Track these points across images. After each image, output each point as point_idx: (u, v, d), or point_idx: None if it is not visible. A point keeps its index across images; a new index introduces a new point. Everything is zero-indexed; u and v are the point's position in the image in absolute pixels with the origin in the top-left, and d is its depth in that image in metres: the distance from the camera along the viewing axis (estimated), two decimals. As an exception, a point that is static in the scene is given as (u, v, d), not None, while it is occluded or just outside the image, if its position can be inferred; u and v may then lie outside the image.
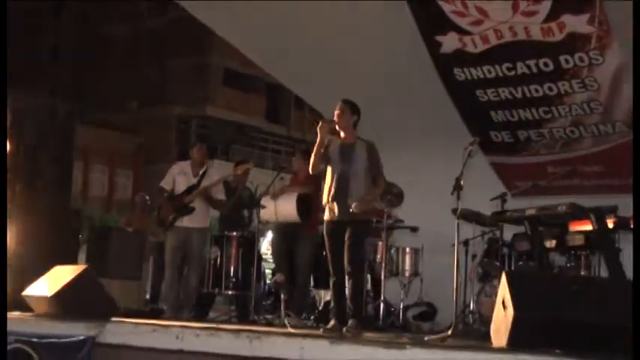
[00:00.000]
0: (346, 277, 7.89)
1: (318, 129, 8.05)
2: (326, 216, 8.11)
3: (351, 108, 8.12)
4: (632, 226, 8.21)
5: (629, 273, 8.17)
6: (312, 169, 8.20)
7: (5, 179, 9.61)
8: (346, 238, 7.89)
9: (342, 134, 8.10)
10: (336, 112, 8.10)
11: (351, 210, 7.84)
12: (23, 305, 8.80)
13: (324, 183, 8.29)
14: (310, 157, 8.22)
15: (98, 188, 28.23)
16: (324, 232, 8.15)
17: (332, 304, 8.16)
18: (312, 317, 9.80)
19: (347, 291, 7.92)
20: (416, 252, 10.24)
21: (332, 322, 7.91)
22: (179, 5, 12.25)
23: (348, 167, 7.99)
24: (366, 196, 7.98)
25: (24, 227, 10.02)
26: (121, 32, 31.37)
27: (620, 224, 8.32)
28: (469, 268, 9.84)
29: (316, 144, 8.04)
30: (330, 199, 8.02)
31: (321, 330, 7.76)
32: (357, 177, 7.96)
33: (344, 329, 7.59)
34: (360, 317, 7.83)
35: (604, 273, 8.62)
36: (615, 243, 8.61)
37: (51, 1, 29.81)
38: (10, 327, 8.03)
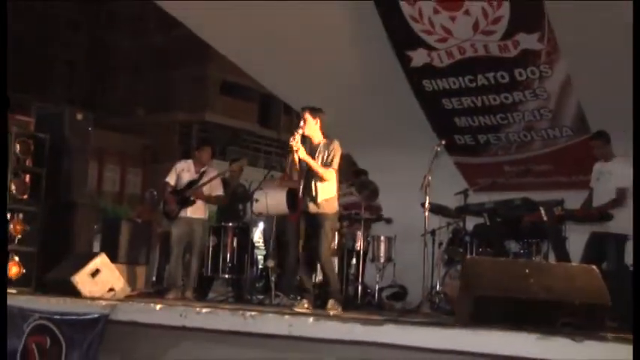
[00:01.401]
0: (318, 264, 7.83)
1: (293, 143, 7.78)
2: (303, 208, 8.01)
3: (311, 113, 7.90)
4: (577, 217, 8.27)
5: (573, 259, 8.24)
6: (328, 178, 7.86)
7: (6, 179, 9.58)
8: (317, 229, 7.82)
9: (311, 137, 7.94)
10: (300, 124, 7.91)
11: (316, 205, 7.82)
12: (45, 287, 8.80)
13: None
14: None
15: (111, 184, 28.16)
16: (301, 222, 8.05)
17: (303, 287, 8.04)
18: (299, 298, 9.78)
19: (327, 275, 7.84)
20: (390, 240, 10.23)
21: (304, 302, 7.83)
22: (181, 23, 12.22)
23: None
24: (328, 195, 7.88)
25: (46, 218, 10.01)
26: (131, 48, 31.28)
27: (567, 216, 8.37)
28: (436, 255, 9.85)
29: (311, 164, 7.80)
30: (301, 194, 7.96)
31: (294, 308, 7.68)
32: (318, 174, 7.86)
33: (327, 308, 7.51)
34: (337, 297, 7.78)
35: (552, 259, 8.69)
36: (562, 232, 8.67)
37: (69, 22, 29.89)
38: (35, 306, 8.04)
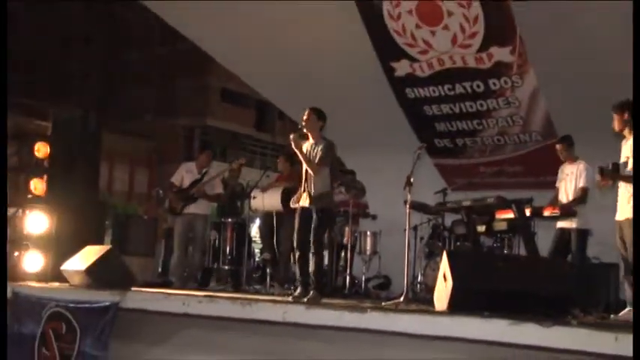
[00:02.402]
0: (310, 254, 7.77)
1: (292, 143, 7.76)
2: (300, 203, 7.89)
3: (317, 114, 7.84)
4: (544, 214, 8.30)
5: (542, 252, 8.26)
6: (315, 172, 7.81)
7: (5, 179, 9.58)
8: (312, 223, 7.75)
9: (310, 136, 7.85)
10: (304, 118, 7.83)
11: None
12: (61, 277, 8.79)
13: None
14: (292, 159, 8.18)
15: (120, 184, 28.01)
16: (297, 216, 8.00)
17: (297, 275, 8.00)
18: (292, 287, 9.79)
19: (310, 265, 7.78)
20: (375, 235, 10.24)
21: (298, 290, 7.79)
22: (185, 37, 12.24)
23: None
24: (320, 191, 7.78)
25: (62, 215, 10.00)
26: (139, 58, 31.19)
27: (535, 213, 8.39)
28: (417, 248, 9.87)
29: (301, 156, 7.74)
30: (302, 189, 7.90)
31: (290, 297, 7.66)
32: (310, 169, 7.74)
33: (305, 299, 7.32)
34: (319, 289, 7.62)
35: (523, 252, 8.71)
36: (531, 228, 8.70)
37: (85, 37, 29.86)
38: (51, 295, 8.07)
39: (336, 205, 8.90)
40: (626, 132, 7.03)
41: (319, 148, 7.76)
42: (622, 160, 6.99)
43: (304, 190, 7.81)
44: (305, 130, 7.81)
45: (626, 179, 6.84)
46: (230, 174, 10.87)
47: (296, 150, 7.71)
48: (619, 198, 7.00)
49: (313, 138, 7.86)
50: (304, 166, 7.79)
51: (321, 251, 8.04)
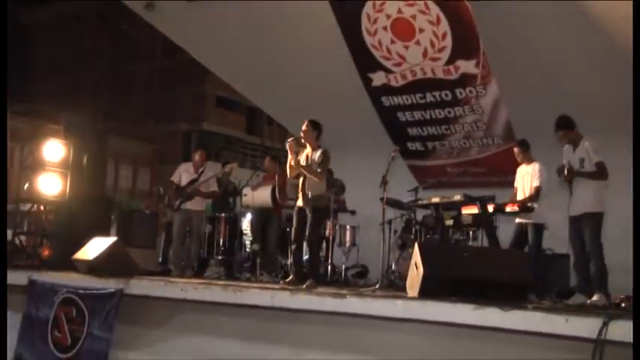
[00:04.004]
0: (305, 248, 7.92)
1: (287, 147, 8.00)
2: (297, 203, 8.06)
3: (313, 126, 8.04)
4: (505, 210, 8.33)
5: (502, 244, 8.29)
6: (291, 175, 8.12)
7: (5, 179, 9.54)
8: (308, 221, 7.90)
9: (307, 145, 8.05)
10: (303, 129, 8.03)
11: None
12: (72, 266, 8.76)
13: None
14: (277, 159, 8.24)
15: (125, 182, 27.88)
16: (294, 214, 8.14)
17: (292, 265, 8.11)
18: (279, 275, 9.79)
19: (304, 257, 7.90)
20: (354, 228, 10.21)
21: (291, 277, 7.91)
22: (184, 50, 12.24)
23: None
24: (316, 193, 7.95)
25: (72, 209, 9.97)
26: (143, 69, 31.10)
27: (497, 209, 8.42)
28: (392, 240, 9.86)
29: (290, 158, 7.95)
30: (299, 191, 8.02)
31: (281, 282, 7.74)
32: (308, 175, 7.94)
33: (304, 286, 7.48)
34: (315, 278, 7.81)
35: (485, 244, 8.73)
36: (493, 222, 8.72)
37: (94, 48, 29.75)
38: (63, 282, 8.07)
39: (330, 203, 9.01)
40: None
41: (317, 156, 7.98)
42: (577, 161, 7.10)
43: (300, 192, 7.94)
44: (303, 140, 7.96)
45: (586, 175, 7.03)
46: (223, 174, 10.84)
47: (300, 164, 7.90)
48: (574, 195, 7.07)
49: (311, 146, 8.06)
50: (287, 166, 7.95)
51: (318, 245, 8.18)
